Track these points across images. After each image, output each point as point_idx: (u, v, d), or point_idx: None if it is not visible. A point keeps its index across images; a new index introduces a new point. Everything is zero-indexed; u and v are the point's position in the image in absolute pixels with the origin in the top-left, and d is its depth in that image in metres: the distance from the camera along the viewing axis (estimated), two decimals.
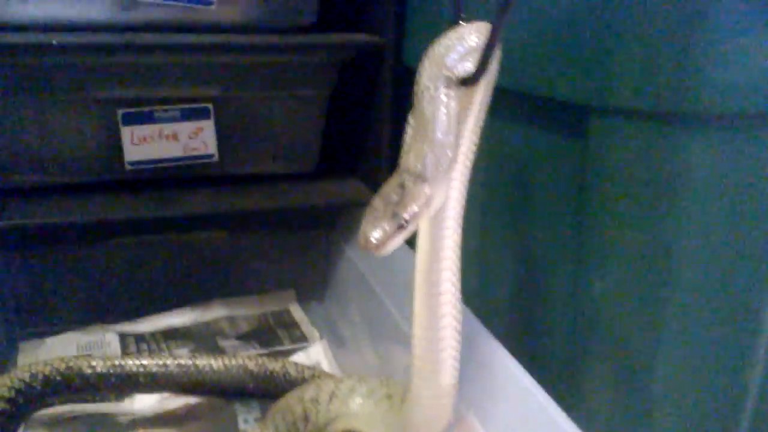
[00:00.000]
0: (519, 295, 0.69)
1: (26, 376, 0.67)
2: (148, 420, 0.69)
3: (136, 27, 0.75)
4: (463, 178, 0.47)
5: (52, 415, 0.68)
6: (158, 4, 0.75)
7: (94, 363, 0.70)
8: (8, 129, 0.76)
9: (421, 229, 0.46)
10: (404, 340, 0.67)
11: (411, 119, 0.44)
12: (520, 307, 0.69)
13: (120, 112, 0.78)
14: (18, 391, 0.66)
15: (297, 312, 0.93)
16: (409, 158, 0.42)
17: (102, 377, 0.70)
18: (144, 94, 0.79)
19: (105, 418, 0.69)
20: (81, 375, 0.70)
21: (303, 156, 0.88)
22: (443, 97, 0.42)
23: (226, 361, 0.73)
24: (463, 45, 0.43)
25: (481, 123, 0.47)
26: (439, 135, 0.42)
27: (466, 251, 0.48)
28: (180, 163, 0.82)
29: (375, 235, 0.40)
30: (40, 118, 0.76)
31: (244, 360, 0.73)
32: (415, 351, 0.49)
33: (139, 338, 0.84)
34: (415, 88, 0.44)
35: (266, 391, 0.72)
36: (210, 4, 0.76)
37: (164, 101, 0.80)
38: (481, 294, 0.71)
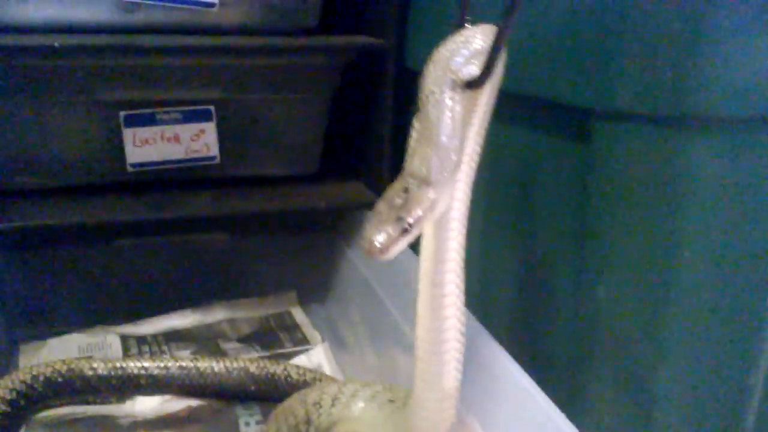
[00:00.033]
0: (521, 298, 0.69)
1: (27, 378, 0.67)
2: (149, 422, 0.69)
3: (138, 29, 0.75)
4: (467, 180, 0.47)
5: (53, 417, 0.68)
6: (160, 7, 0.75)
7: (95, 365, 0.71)
8: (10, 131, 0.76)
9: (426, 232, 0.46)
10: (406, 343, 0.67)
11: (415, 123, 0.44)
12: (522, 310, 0.69)
13: (122, 114, 0.78)
14: (19, 393, 0.66)
15: (298, 314, 0.93)
16: (413, 162, 0.42)
17: (103, 379, 0.70)
18: (146, 96, 0.79)
19: (106, 420, 0.69)
20: (82, 377, 0.70)
21: (305, 158, 0.88)
22: (448, 101, 0.42)
23: (228, 364, 0.73)
24: (468, 48, 0.43)
25: (485, 126, 0.47)
26: (443, 139, 0.42)
27: (468, 254, 0.48)
28: (182, 165, 0.82)
29: (379, 239, 0.40)
30: (41, 120, 0.76)
31: (245, 362, 0.73)
32: (419, 353, 0.49)
33: (141, 340, 0.83)
34: (420, 91, 0.44)
35: (268, 393, 0.72)
36: (212, 6, 0.76)
37: (166, 103, 0.79)
38: (483, 296, 0.71)
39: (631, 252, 0.56)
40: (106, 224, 0.80)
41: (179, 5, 0.75)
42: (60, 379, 0.69)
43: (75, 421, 0.68)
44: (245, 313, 0.91)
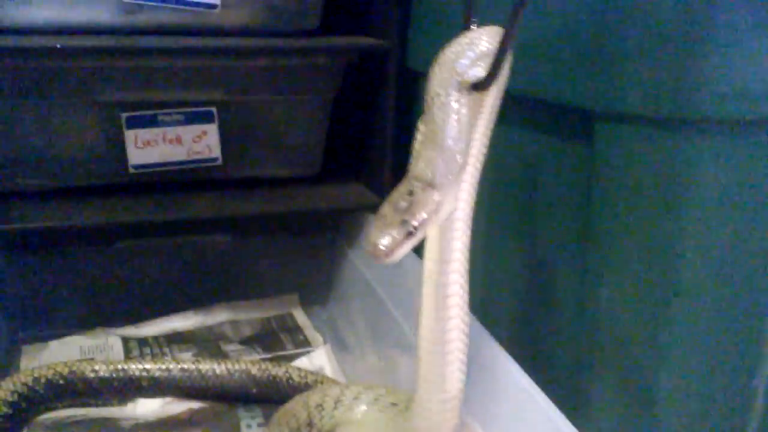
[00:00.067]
0: (523, 299, 0.69)
1: (29, 380, 0.67)
2: (150, 424, 0.69)
3: (140, 30, 0.75)
4: (473, 182, 0.47)
5: (54, 419, 0.68)
6: (162, 8, 0.75)
7: (96, 367, 0.71)
8: (12, 132, 0.76)
9: (431, 233, 0.46)
10: (408, 345, 0.67)
11: (421, 125, 0.44)
12: (524, 311, 0.69)
13: (124, 115, 0.78)
14: (20, 395, 0.66)
15: (300, 316, 0.93)
16: (418, 165, 0.42)
17: (105, 381, 0.70)
18: (148, 97, 0.79)
19: (107, 423, 0.69)
20: (84, 379, 0.70)
21: (306, 160, 0.88)
22: (454, 104, 0.42)
23: (229, 366, 0.73)
24: (473, 50, 0.43)
25: (491, 127, 0.47)
26: (449, 142, 0.42)
27: (470, 255, 0.48)
28: (184, 166, 0.82)
29: (383, 242, 0.40)
30: (43, 122, 0.76)
31: (247, 365, 0.73)
32: (422, 354, 0.49)
33: (142, 342, 0.83)
34: (426, 93, 0.43)
35: (269, 396, 0.72)
36: (214, 7, 0.76)
37: (168, 105, 0.79)
38: (485, 299, 0.71)
39: (633, 253, 0.56)
40: (108, 226, 0.80)
41: (181, 6, 0.75)
42: (61, 381, 0.69)
43: (76, 423, 0.68)
44: (247, 314, 0.91)
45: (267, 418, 0.69)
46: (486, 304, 0.69)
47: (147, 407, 0.72)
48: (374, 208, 0.84)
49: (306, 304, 0.95)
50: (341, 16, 0.85)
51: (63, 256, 0.85)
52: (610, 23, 0.52)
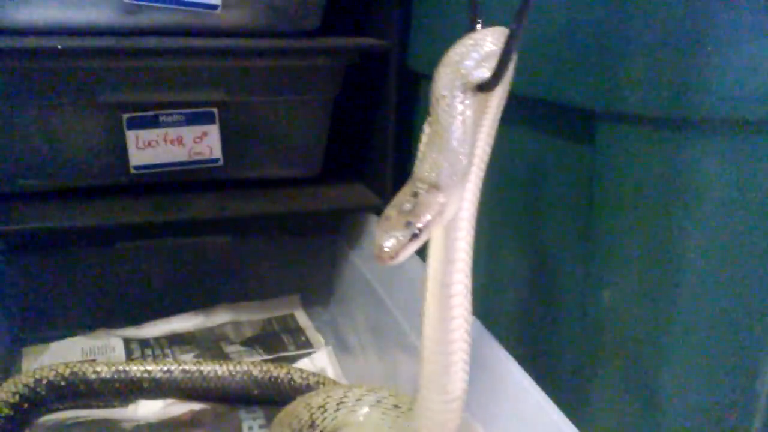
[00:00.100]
0: (525, 300, 0.69)
1: (30, 382, 0.67)
2: (152, 426, 0.69)
3: (141, 31, 0.75)
4: (477, 182, 0.47)
5: (56, 421, 0.68)
6: (163, 8, 0.74)
7: (98, 368, 0.70)
8: (13, 133, 0.76)
9: (435, 235, 0.46)
10: (409, 346, 0.67)
11: (426, 127, 0.43)
12: (526, 312, 0.69)
13: (125, 116, 0.78)
14: (22, 397, 0.66)
15: (302, 317, 0.92)
16: (423, 166, 0.42)
17: (106, 383, 0.70)
18: (149, 98, 0.79)
19: (109, 424, 0.69)
20: (85, 380, 0.70)
21: (307, 160, 0.88)
22: (459, 105, 0.42)
23: (231, 367, 0.73)
24: (478, 51, 0.43)
25: (495, 128, 0.47)
26: (454, 143, 0.42)
27: (473, 256, 0.48)
28: (185, 167, 0.82)
29: (388, 244, 0.40)
30: (44, 123, 0.76)
31: (248, 366, 0.73)
32: (425, 355, 0.49)
33: (144, 343, 0.83)
34: (431, 95, 0.43)
35: (271, 397, 0.72)
36: (215, 8, 0.76)
37: (169, 105, 0.79)
38: (487, 298, 0.71)
39: (635, 254, 0.56)
40: (109, 227, 0.80)
41: (182, 7, 0.75)
42: (63, 383, 0.68)
43: (78, 424, 0.68)
44: (248, 316, 0.91)
45: (269, 419, 0.69)
46: (488, 305, 0.69)
47: (149, 408, 0.71)
48: (375, 209, 0.85)
49: (307, 305, 0.95)
50: (342, 16, 0.85)
51: (64, 256, 0.85)
52: (612, 23, 0.52)
